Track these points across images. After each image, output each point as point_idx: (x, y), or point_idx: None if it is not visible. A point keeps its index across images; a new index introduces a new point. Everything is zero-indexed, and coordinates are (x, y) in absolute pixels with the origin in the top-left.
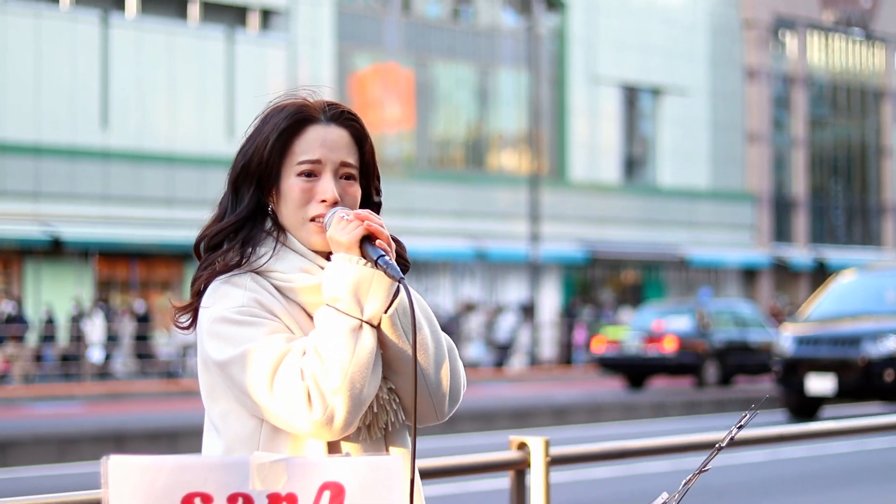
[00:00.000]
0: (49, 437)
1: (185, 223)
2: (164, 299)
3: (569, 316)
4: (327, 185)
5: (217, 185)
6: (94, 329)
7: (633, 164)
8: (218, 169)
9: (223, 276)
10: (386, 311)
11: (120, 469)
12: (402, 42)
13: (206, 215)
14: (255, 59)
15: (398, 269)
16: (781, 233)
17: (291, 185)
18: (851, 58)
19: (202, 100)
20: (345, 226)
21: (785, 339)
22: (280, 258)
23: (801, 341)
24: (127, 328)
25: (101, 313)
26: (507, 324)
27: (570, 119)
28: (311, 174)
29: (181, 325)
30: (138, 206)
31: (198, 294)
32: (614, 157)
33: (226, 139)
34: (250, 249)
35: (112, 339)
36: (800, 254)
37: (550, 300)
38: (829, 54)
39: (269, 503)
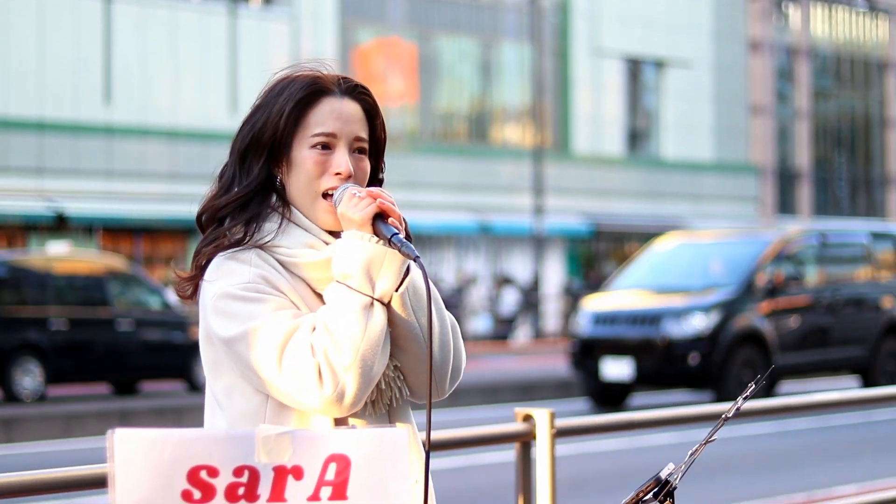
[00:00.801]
0: (54, 413)
1: (189, 198)
2: (168, 271)
3: (570, 295)
4: (342, 158)
5: (221, 159)
6: None
7: (637, 137)
8: (221, 144)
9: (228, 252)
10: (397, 290)
11: (126, 442)
12: (405, 16)
13: (209, 189)
14: (258, 33)
15: (412, 247)
16: (785, 205)
17: (305, 156)
18: (855, 29)
19: (205, 75)
20: (357, 202)
21: (583, 315)
22: (285, 234)
23: (598, 319)
24: None
25: None
26: (510, 297)
27: (574, 92)
28: (325, 146)
29: (184, 294)
30: (142, 182)
31: (200, 268)
32: (618, 130)
33: (229, 114)
34: (255, 225)
35: None
36: (804, 225)
37: (554, 273)
38: (833, 26)
39: (275, 476)
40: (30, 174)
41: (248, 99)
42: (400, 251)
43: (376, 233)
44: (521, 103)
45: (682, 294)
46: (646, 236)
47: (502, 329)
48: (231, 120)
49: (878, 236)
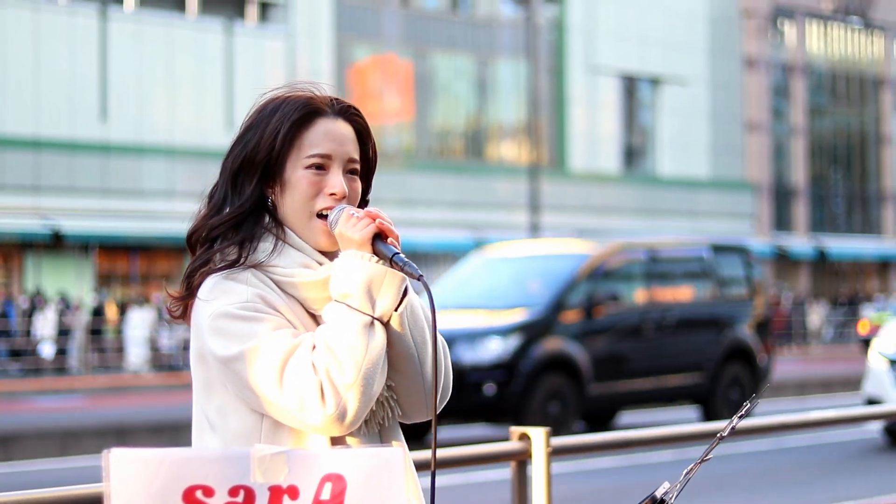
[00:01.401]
0: (51, 430)
1: (185, 216)
2: (161, 291)
3: None
4: (336, 179)
5: (216, 177)
6: (46, 323)
7: (633, 154)
8: (217, 161)
9: (223, 272)
10: (396, 309)
11: (121, 462)
12: (400, 33)
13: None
14: (254, 51)
15: (415, 266)
16: (781, 221)
17: (300, 177)
18: (850, 46)
19: (201, 92)
20: (355, 222)
21: None
22: (280, 254)
23: None
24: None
25: (52, 307)
26: None
27: (570, 109)
28: (319, 167)
29: (174, 315)
30: (138, 199)
31: (193, 288)
32: (614, 147)
33: (225, 131)
34: (249, 245)
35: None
36: (800, 242)
37: None
38: (828, 43)
39: (271, 495)
40: (26, 192)
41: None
42: (402, 270)
43: (376, 252)
44: (517, 120)
45: (482, 314)
46: None
47: None
48: (227, 137)
49: (721, 250)
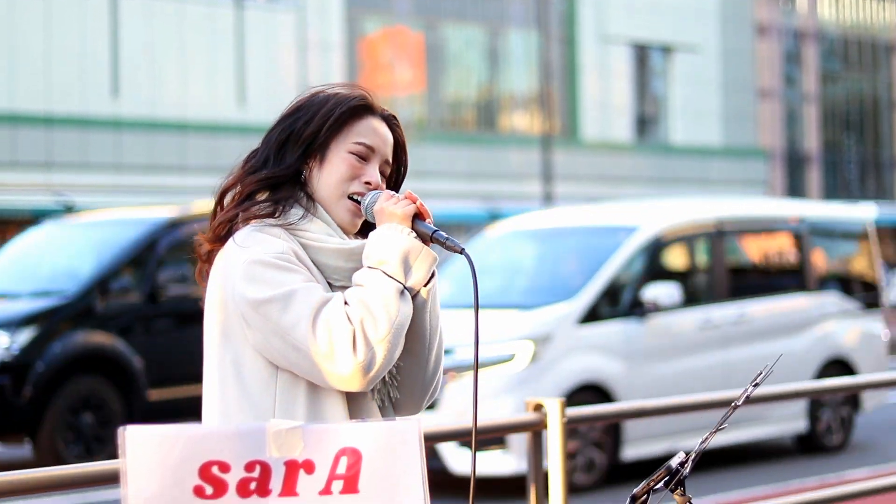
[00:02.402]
0: None
1: (198, 191)
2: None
3: None
4: (375, 171)
5: (229, 152)
6: None
7: (645, 123)
8: (230, 135)
9: (257, 224)
10: (426, 285)
11: (137, 439)
12: (411, 5)
13: (218, 182)
14: (265, 25)
15: (457, 240)
16: (795, 188)
17: (343, 158)
18: (862, 12)
19: (212, 67)
20: (397, 201)
21: None
22: (309, 221)
23: None
24: None
25: None
26: None
27: (582, 78)
28: (361, 157)
29: (200, 256)
30: (150, 175)
31: (221, 233)
32: (626, 116)
33: (237, 106)
34: (283, 206)
35: None
36: None
37: None
38: (840, 8)
39: (287, 470)
40: (38, 169)
41: (256, 90)
42: (444, 245)
43: (415, 229)
44: (529, 90)
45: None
46: None
47: None
48: (239, 111)
49: None
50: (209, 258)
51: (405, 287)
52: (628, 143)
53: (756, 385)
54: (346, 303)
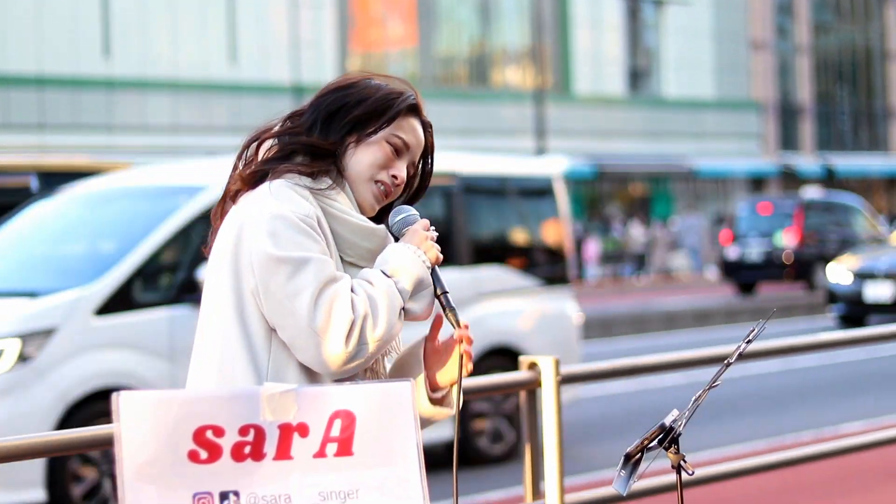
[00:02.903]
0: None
1: (190, 150)
2: None
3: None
4: (403, 167)
5: (221, 110)
6: None
7: (638, 76)
8: (222, 94)
9: (290, 180)
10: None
11: (131, 404)
12: None
13: (210, 141)
14: None
15: (458, 314)
16: (788, 140)
17: (381, 146)
18: None
19: (203, 25)
20: (430, 240)
21: None
22: (336, 192)
23: None
24: None
25: None
26: None
27: (574, 32)
28: (397, 150)
29: (230, 193)
30: (143, 135)
31: (251, 182)
32: (619, 69)
33: (228, 64)
34: (319, 172)
35: None
36: (807, 161)
37: None
38: None
39: (281, 434)
40: (31, 130)
41: (248, 48)
42: (444, 308)
43: (431, 274)
44: (521, 45)
45: None
46: (649, 176)
47: None
48: (231, 70)
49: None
50: (235, 198)
51: (404, 308)
52: (621, 96)
53: (749, 342)
54: (353, 290)
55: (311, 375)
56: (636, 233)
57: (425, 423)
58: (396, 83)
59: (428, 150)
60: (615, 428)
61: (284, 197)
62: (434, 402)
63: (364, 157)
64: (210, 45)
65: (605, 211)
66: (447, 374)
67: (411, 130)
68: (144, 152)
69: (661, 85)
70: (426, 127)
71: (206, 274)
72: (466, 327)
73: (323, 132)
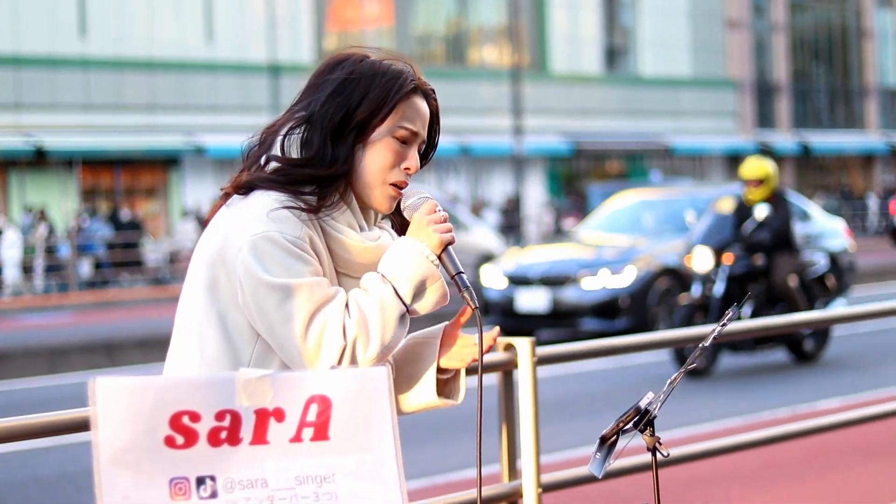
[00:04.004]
0: (40, 348)
1: (167, 129)
2: (149, 203)
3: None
4: (414, 156)
5: (198, 90)
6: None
7: (615, 54)
8: (198, 73)
9: (283, 198)
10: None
11: (107, 391)
12: None
13: (187, 120)
14: None
15: (474, 294)
16: (765, 118)
17: (388, 143)
18: None
19: (180, 4)
20: (438, 220)
21: None
22: (338, 210)
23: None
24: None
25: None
26: (492, 219)
27: (550, 10)
28: (404, 141)
29: (222, 199)
30: (120, 114)
31: (240, 190)
32: (595, 48)
33: (205, 43)
34: (329, 199)
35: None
36: (784, 139)
37: (535, 193)
38: None
39: (257, 419)
40: (7, 110)
41: (224, 27)
42: (460, 291)
43: (441, 258)
44: (498, 23)
45: None
46: (626, 153)
47: None
48: (207, 48)
49: None
50: (224, 200)
51: (408, 310)
52: (598, 74)
53: (724, 325)
54: (347, 306)
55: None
56: None
57: (429, 409)
58: (392, 61)
59: (434, 119)
60: (592, 405)
61: (273, 216)
62: (439, 387)
63: (372, 162)
64: (186, 25)
65: (582, 188)
66: (453, 358)
67: (415, 113)
68: (121, 131)
69: (637, 63)
70: (429, 96)
71: (189, 278)
72: (476, 308)
73: (334, 156)
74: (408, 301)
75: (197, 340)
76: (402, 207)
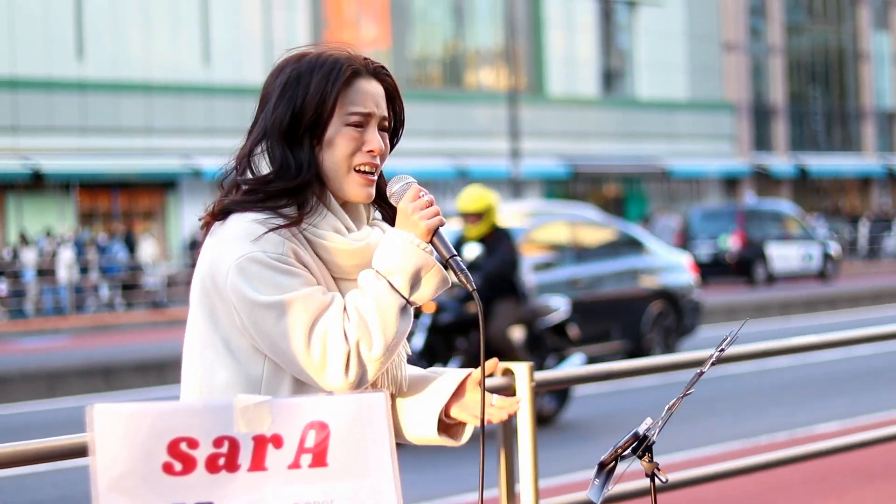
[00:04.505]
0: (37, 372)
1: (165, 152)
2: (147, 225)
3: None
4: (374, 136)
5: (195, 112)
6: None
7: (611, 77)
8: (195, 96)
9: (261, 217)
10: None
11: (104, 417)
12: None
13: (186, 143)
14: None
15: (470, 275)
16: (761, 141)
17: (342, 133)
18: None
19: (176, 27)
20: (423, 206)
21: None
22: (317, 214)
23: None
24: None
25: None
26: None
27: (547, 33)
28: (359, 125)
29: (203, 226)
30: (117, 137)
31: (218, 217)
32: (592, 71)
33: (202, 66)
34: (305, 207)
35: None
36: (780, 161)
37: None
38: None
39: (255, 445)
40: (5, 132)
41: (221, 50)
42: (457, 276)
43: (433, 243)
44: (495, 46)
45: None
46: (623, 176)
47: None
48: (204, 71)
49: None
50: (207, 230)
51: (408, 301)
52: (594, 97)
53: (722, 350)
54: (345, 310)
55: (305, 386)
56: None
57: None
58: (331, 51)
59: (392, 93)
60: (590, 429)
61: (251, 239)
62: (441, 427)
63: (333, 155)
64: (183, 47)
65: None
66: (465, 409)
67: (362, 96)
68: (118, 154)
69: (634, 86)
70: (378, 73)
71: (190, 307)
72: (474, 290)
73: (295, 160)
74: (405, 293)
75: (207, 370)
76: (388, 196)
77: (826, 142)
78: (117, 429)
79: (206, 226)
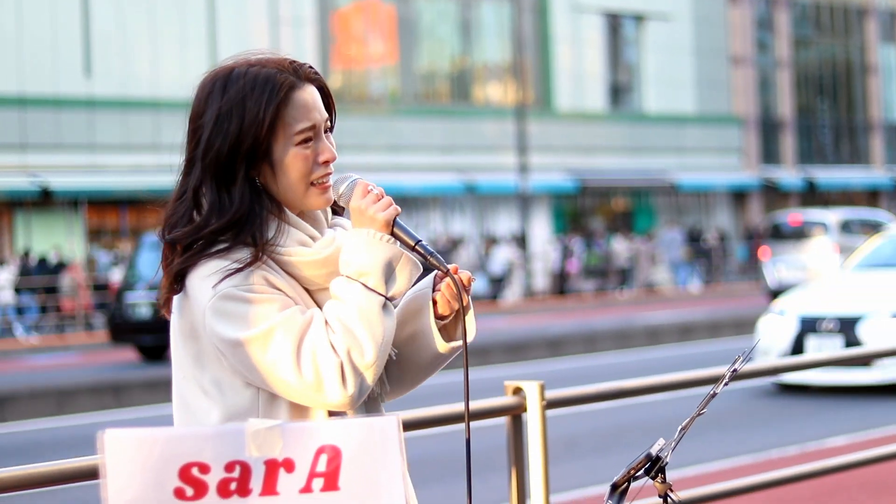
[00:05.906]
0: (47, 389)
1: (173, 169)
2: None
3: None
4: (325, 146)
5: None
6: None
7: (619, 92)
8: None
9: (220, 266)
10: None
11: (116, 442)
12: None
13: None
14: (236, 0)
15: (441, 257)
16: (769, 154)
17: (293, 155)
18: None
19: (184, 43)
20: (374, 201)
21: None
22: (279, 233)
23: None
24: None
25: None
26: (501, 256)
27: (555, 48)
28: (307, 140)
29: (161, 306)
30: (125, 154)
31: (178, 277)
32: (600, 85)
33: None
34: (261, 240)
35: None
36: (789, 174)
37: (541, 231)
38: None
39: (267, 469)
40: (13, 150)
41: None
42: (427, 260)
43: (394, 234)
44: (503, 61)
45: None
46: (631, 191)
47: (492, 289)
48: None
49: None
50: (167, 305)
51: (388, 298)
52: (602, 112)
53: (735, 371)
54: (326, 323)
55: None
56: (619, 247)
57: (442, 362)
58: (258, 67)
59: (323, 90)
60: (601, 444)
61: (218, 276)
62: (441, 333)
63: (286, 178)
64: (191, 64)
65: (587, 225)
66: (443, 303)
67: (303, 109)
68: (126, 171)
69: (641, 100)
70: (310, 76)
71: (173, 362)
72: (456, 270)
73: (228, 195)
74: (382, 290)
75: (203, 413)
76: (336, 200)
77: (834, 155)
78: (128, 454)
79: (167, 302)
